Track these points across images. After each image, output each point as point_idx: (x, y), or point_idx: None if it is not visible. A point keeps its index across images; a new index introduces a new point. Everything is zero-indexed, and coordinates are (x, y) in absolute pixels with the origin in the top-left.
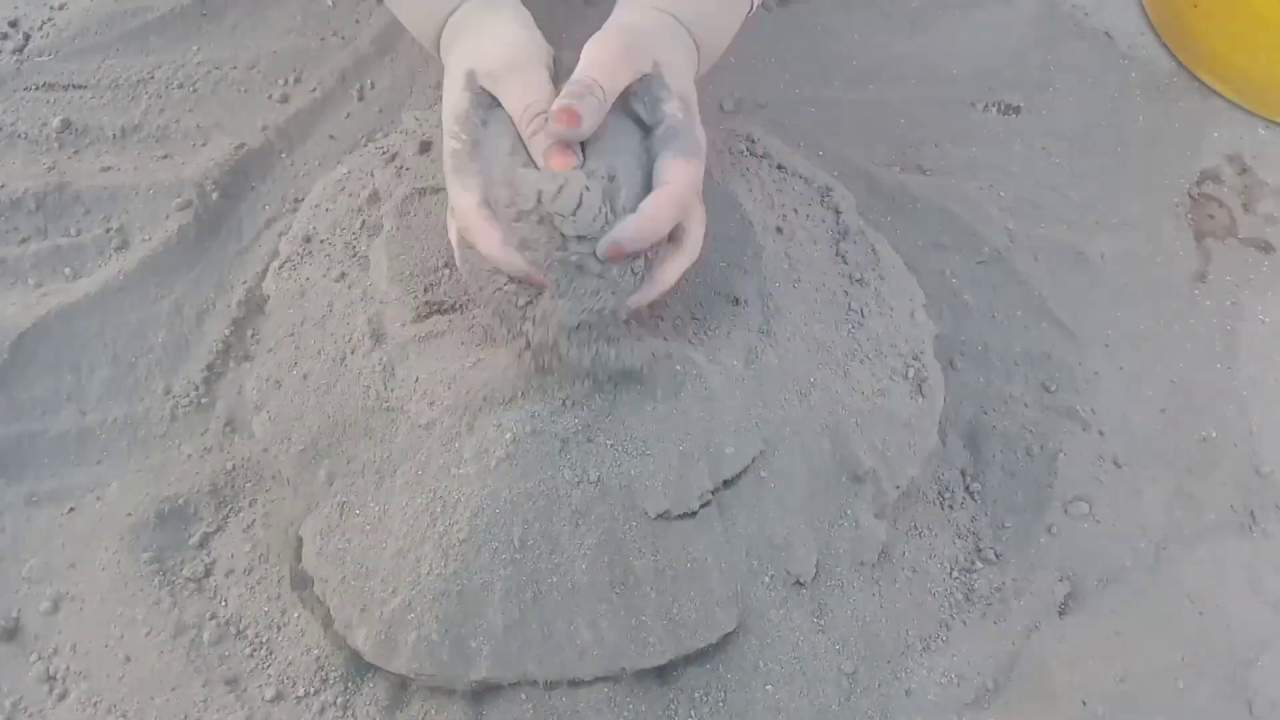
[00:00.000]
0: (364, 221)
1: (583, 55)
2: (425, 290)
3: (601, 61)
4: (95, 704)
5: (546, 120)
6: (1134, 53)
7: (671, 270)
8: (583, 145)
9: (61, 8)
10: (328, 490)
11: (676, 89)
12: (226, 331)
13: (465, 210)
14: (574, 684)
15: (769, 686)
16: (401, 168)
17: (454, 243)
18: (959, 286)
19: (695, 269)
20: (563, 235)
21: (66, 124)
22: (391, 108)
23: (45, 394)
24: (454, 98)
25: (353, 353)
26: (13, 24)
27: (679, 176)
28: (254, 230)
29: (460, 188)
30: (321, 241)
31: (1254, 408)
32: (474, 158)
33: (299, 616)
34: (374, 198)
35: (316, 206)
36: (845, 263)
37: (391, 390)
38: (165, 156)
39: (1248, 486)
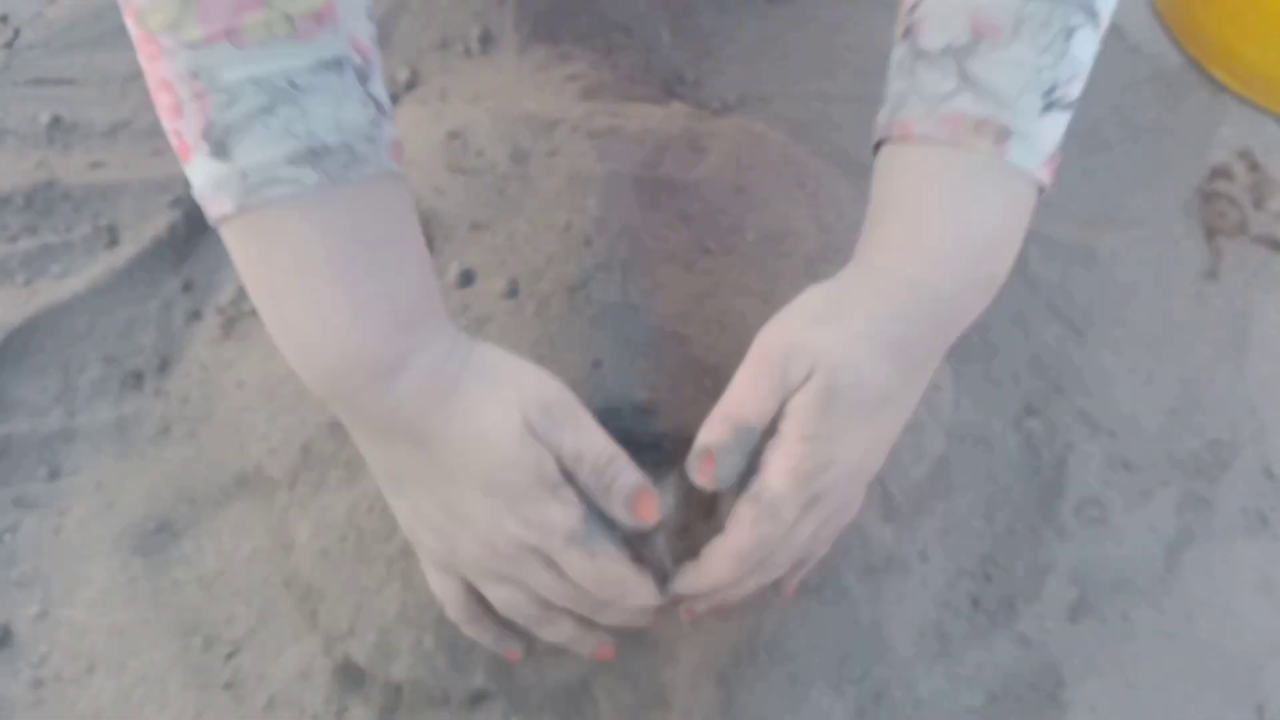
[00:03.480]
0: None
1: (740, 371)
2: None
3: (748, 396)
4: (85, 712)
5: (615, 464)
6: (1143, 47)
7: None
8: None
9: (51, 2)
10: (323, 493)
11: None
12: (218, 331)
13: (615, 568)
14: (570, 689)
15: (773, 694)
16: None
17: (532, 618)
18: None
19: None
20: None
21: (56, 120)
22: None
23: (34, 394)
24: (521, 456)
25: None
26: (2, 18)
27: (741, 529)
28: None
29: (600, 550)
30: None
31: (1265, 408)
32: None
33: (293, 622)
34: None
35: None
36: None
37: None
38: (156, 153)
39: (1259, 489)
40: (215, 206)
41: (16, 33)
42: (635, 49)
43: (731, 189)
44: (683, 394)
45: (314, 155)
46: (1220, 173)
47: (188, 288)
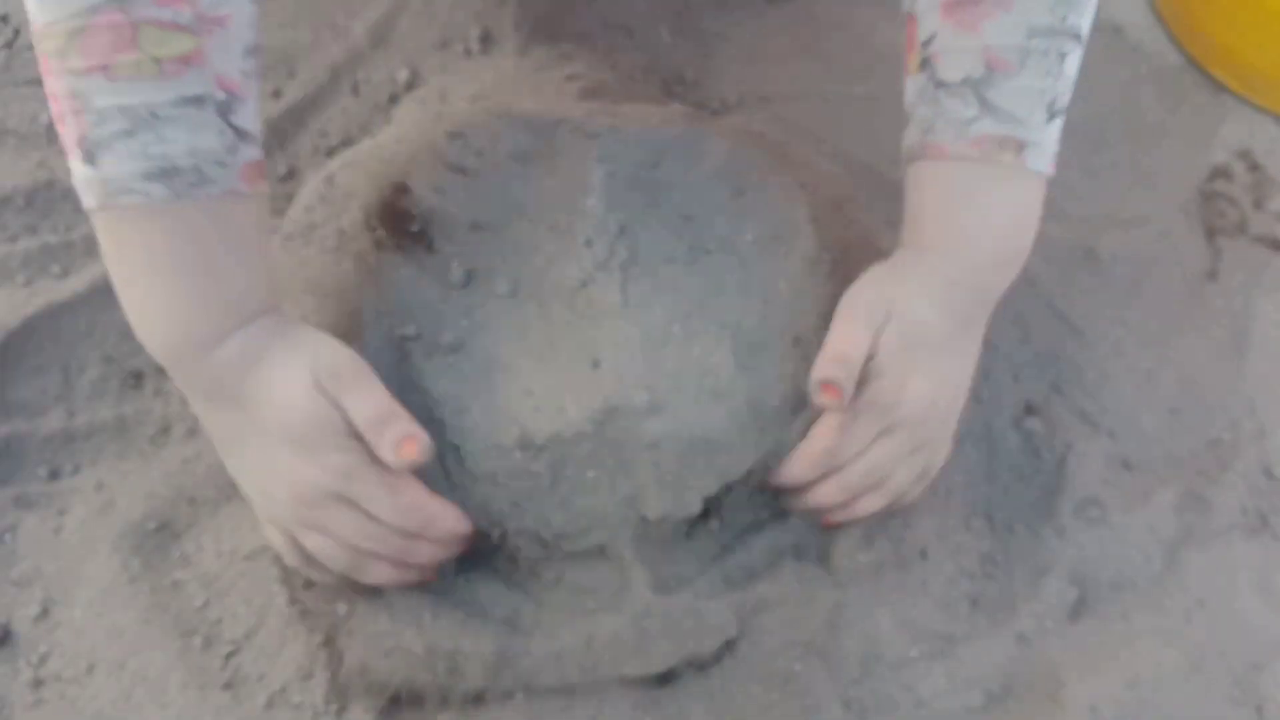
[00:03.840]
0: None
1: (835, 317)
2: None
3: (848, 336)
4: (85, 711)
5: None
6: (1143, 47)
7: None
8: None
9: None
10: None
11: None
12: None
13: (417, 500)
14: (570, 690)
15: (773, 695)
16: None
17: (348, 565)
18: None
19: None
20: None
21: None
22: (385, 103)
23: (34, 394)
24: (316, 412)
25: None
26: (2, 18)
27: (817, 437)
28: None
29: (402, 486)
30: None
31: (1265, 408)
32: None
33: (293, 623)
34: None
35: (308, 208)
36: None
37: None
38: None
39: (1259, 488)
40: (84, 199)
41: (16, 33)
42: (635, 49)
43: (731, 189)
44: (683, 394)
45: (164, 174)
46: (1220, 173)
47: None
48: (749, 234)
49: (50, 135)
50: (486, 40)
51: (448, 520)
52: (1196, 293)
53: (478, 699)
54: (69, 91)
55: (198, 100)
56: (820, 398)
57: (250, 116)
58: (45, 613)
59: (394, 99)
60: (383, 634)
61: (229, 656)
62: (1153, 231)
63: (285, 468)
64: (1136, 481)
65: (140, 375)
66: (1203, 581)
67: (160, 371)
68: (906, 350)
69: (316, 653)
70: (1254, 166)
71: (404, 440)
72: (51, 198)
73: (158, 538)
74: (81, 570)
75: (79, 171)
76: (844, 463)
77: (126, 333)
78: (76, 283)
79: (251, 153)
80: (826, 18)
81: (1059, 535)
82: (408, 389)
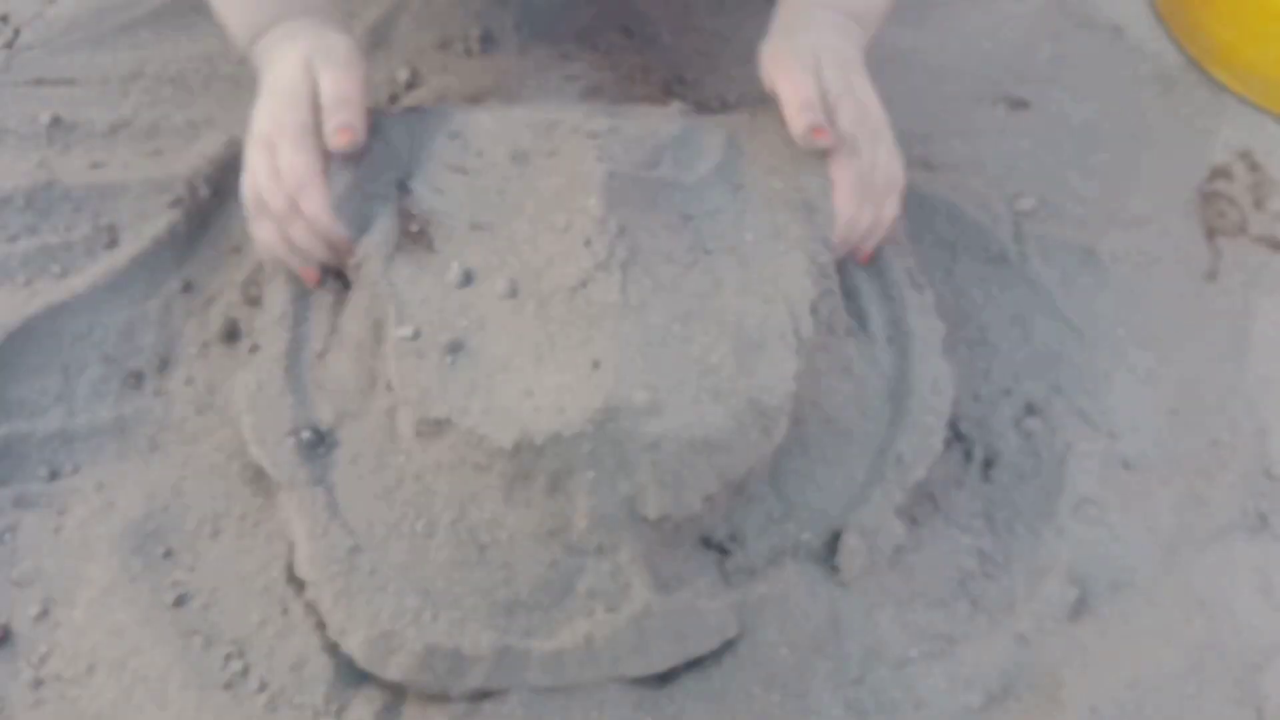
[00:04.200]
0: None
1: (775, 81)
2: None
3: (800, 84)
4: (85, 711)
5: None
6: (1143, 46)
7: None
8: None
9: (51, 2)
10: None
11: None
12: (218, 331)
13: (304, 169)
14: (570, 690)
15: (773, 695)
16: None
17: (253, 204)
18: (966, 285)
19: None
20: None
21: (56, 120)
22: (386, 103)
23: (34, 394)
24: (297, 79)
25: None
26: (3, 18)
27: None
28: (244, 228)
29: (303, 151)
30: None
31: (1265, 408)
32: (317, 134)
33: (292, 622)
34: None
35: None
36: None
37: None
38: (156, 152)
39: (1258, 489)
40: None
41: (16, 33)
42: (635, 49)
43: (731, 189)
44: (683, 394)
45: None
46: (1220, 173)
47: (187, 288)
48: (749, 234)
49: (50, 135)
50: (487, 40)
51: (314, 198)
52: (1196, 293)
53: (478, 698)
54: None
55: None
56: (812, 142)
57: None
58: (45, 613)
59: (394, 99)
60: (384, 634)
61: (229, 657)
62: (1153, 231)
63: (256, 113)
64: (1136, 481)
65: (140, 375)
66: (1202, 581)
67: (160, 371)
68: (845, 75)
69: (316, 653)
70: (1254, 166)
71: (341, 128)
72: (51, 198)
73: (157, 538)
74: (81, 570)
75: None
76: (862, 183)
77: (126, 333)
78: (76, 283)
79: None
80: None
81: (1059, 535)
82: None
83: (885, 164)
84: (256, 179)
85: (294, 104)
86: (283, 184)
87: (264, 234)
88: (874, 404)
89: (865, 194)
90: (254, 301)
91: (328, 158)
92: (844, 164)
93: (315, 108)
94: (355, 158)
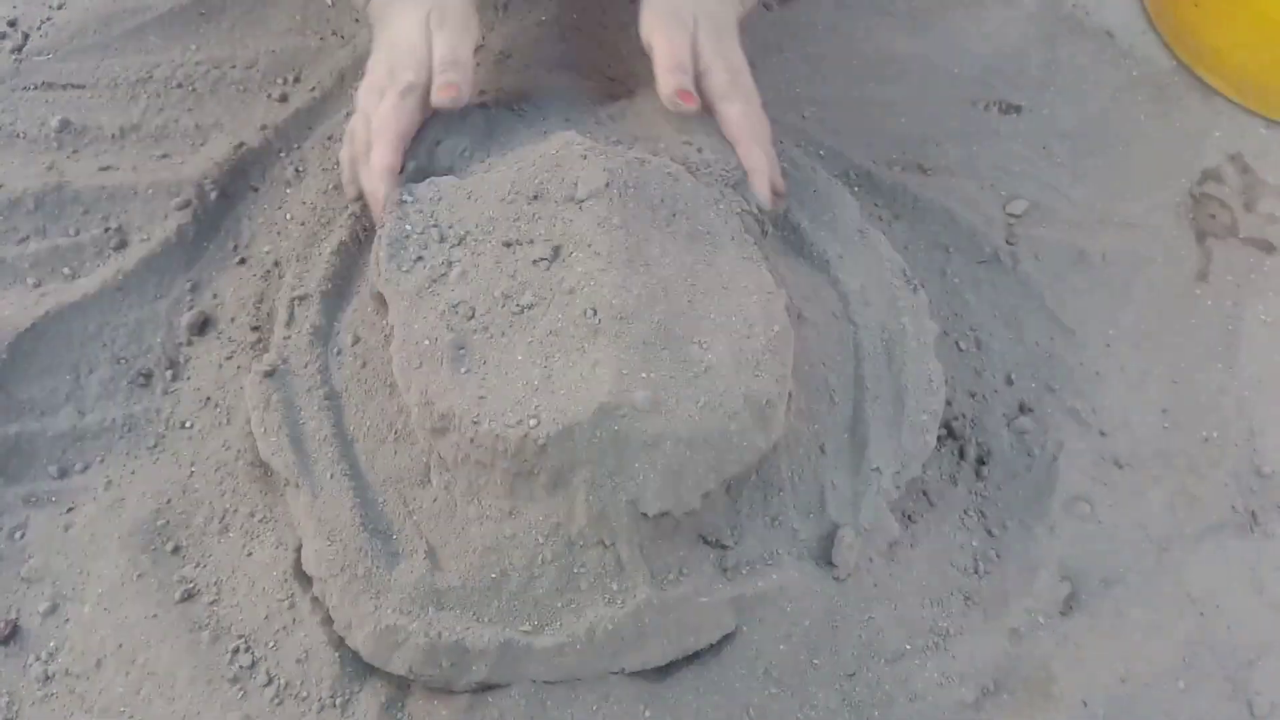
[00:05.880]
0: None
1: (651, 39)
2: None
3: (676, 45)
4: (93, 706)
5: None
6: (1135, 51)
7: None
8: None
9: (60, 7)
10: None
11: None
12: (225, 331)
13: (391, 124)
14: (572, 682)
15: (770, 689)
16: None
17: (348, 134)
18: (960, 286)
19: None
20: None
21: (65, 124)
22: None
23: (44, 394)
24: (414, 37)
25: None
26: (11, 23)
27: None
28: (253, 230)
29: (399, 109)
30: None
31: (1255, 408)
32: (421, 95)
33: (298, 616)
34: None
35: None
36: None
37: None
38: (164, 156)
39: (1249, 487)
40: None
41: (26, 37)
42: (635, 49)
43: (730, 187)
44: (682, 393)
45: None
46: (1211, 175)
47: (196, 289)
48: (748, 232)
49: (60, 139)
50: (488, 49)
51: (385, 154)
52: (1187, 294)
53: (481, 691)
54: None
55: None
56: (678, 104)
57: None
58: (54, 608)
59: None
60: (389, 628)
61: (236, 651)
62: (1144, 233)
63: (372, 63)
64: (1128, 479)
65: (149, 375)
66: (1193, 578)
67: (168, 370)
68: (719, 40)
69: (323, 647)
70: (1244, 169)
71: (447, 85)
72: (61, 200)
73: (166, 535)
74: (90, 567)
75: None
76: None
77: (135, 333)
78: (86, 284)
79: None
80: (824, 22)
81: (1051, 532)
82: None
83: (758, 114)
84: (357, 116)
85: (408, 62)
86: (370, 128)
87: (345, 159)
88: (844, 367)
89: (754, 136)
90: (260, 302)
91: (420, 124)
92: (727, 114)
93: (427, 68)
94: (447, 130)
